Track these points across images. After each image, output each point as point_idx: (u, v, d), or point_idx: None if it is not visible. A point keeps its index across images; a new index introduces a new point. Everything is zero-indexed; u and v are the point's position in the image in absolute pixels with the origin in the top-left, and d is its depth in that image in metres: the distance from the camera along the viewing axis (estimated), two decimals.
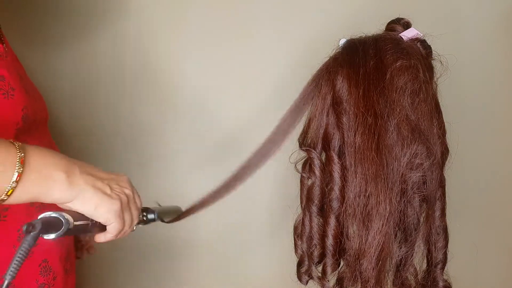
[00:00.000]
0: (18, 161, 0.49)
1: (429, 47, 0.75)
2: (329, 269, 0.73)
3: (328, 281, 0.74)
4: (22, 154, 0.49)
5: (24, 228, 0.50)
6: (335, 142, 0.70)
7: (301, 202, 0.77)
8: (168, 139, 1.27)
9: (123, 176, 0.66)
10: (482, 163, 1.29)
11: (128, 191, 0.64)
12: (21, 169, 0.49)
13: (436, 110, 0.72)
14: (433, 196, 0.70)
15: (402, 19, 0.77)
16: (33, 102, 0.67)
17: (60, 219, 0.53)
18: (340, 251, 0.72)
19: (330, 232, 0.71)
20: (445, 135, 0.73)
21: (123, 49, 1.23)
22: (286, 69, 1.20)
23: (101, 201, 0.57)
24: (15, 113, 0.61)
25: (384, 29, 0.77)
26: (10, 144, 0.50)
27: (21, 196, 0.50)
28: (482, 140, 1.28)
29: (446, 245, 0.74)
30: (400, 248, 0.70)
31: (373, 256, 0.65)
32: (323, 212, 0.73)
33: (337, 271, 0.74)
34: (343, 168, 0.69)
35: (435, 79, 0.73)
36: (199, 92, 1.26)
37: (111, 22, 1.23)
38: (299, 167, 0.78)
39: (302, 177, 0.77)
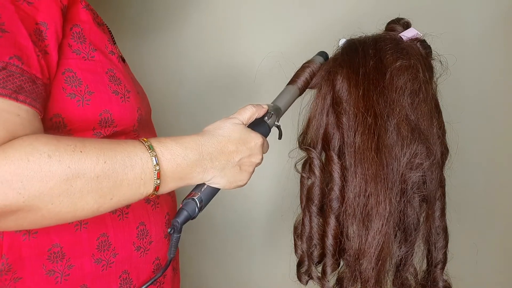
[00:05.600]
0: (155, 176, 0.55)
1: (429, 47, 0.75)
2: (329, 269, 0.73)
3: (328, 281, 0.74)
4: (158, 168, 0.55)
5: (169, 231, 0.61)
6: (335, 142, 0.70)
7: (301, 202, 0.77)
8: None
9: (257, 141, 0.65)
10: (482, 163, 1.29)
11: (257, 160, 0.66)
12: (158, 181, 0.55)
13: (436, 110, 0.72)
14: (433, 196, 0.70)
15: (402, 19, 0.77)
16: (142, 101, 0.70)
17: (193, 203, 0.62)
18: (340, 251, 0.72)
19: (330, 232, 0.71)
20: (444, 135, 0.73)
21: None
22: (286, 68, 1.20)
23: (229, 184, 0.64)
24: (132, 115, 0.64)
25: (384, 29, 0.77)
26: (146, 155, 0.54)
27: (164, 191, 0.58)
28: (482, 140, 1.28)
29: (446, 245, 0.74)
30: (400, 248, 0.70)
31: (373, 256, 0.65)
32: (323, 212, 0.73)
33: (337, 271, 0.74)
34: (343, 168, 0.69)
35: (434, 79, 0.73)
36: (196, 92, 1.26)
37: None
38: (299, 167, 0.78)
39: (302, 177, 0.77)
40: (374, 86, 0.67)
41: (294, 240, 0.79)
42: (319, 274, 0.76)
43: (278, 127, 0.73)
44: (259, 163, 0.67)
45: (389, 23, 0.77)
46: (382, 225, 0.64)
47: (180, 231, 0.61)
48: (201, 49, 1.25)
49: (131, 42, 1.23)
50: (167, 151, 0.56)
